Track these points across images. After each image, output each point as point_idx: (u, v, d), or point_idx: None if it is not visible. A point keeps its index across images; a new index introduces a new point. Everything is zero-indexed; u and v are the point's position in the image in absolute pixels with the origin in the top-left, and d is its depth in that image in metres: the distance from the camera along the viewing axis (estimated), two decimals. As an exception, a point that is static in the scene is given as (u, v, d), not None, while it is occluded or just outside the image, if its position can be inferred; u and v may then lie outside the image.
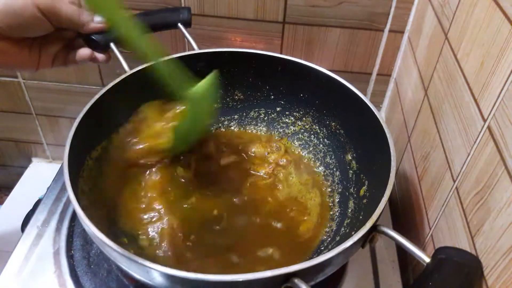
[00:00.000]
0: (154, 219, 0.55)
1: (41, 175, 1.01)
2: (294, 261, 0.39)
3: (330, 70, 0.61)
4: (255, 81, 0.68)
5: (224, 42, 0.78)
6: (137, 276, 0.41)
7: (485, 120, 0.41)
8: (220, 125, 0.71)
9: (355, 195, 0.58)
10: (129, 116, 0.62)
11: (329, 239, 0.56)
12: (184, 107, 0.56)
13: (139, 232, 0.54)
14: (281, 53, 0.78)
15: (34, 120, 0.96)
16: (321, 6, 0.71)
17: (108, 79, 0.58)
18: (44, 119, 0.96)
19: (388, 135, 0.52)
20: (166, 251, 0.52)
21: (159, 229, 0.54)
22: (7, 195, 1.00)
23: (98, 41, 0.57)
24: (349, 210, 0.58)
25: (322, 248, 0.55)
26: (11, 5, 0.48)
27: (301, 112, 0.68)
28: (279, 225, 0.58)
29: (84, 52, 0.57)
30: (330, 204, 0.61)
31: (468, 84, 0.46)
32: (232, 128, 0.71)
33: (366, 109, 0.56)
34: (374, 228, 0.43)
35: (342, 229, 0.56)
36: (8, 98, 0.92)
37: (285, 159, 0.67)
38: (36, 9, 0.49)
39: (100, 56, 0.58)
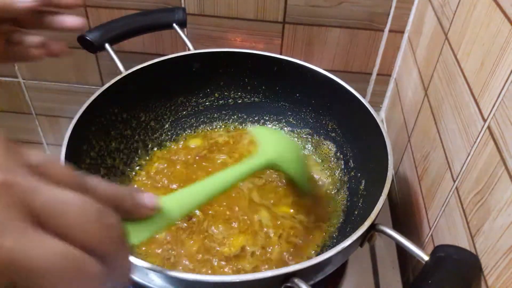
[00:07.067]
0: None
1: (41, 175, 1.01)
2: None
3: (330, 70, 0.61)
4: (251, 82, 0.68)
5: (224, 42, 0.78)
6: (136, 278, 0.41)
7: (485, 120, 0.41)
8: (218, 126, 0.71)
9: (353, 195, 0.58)
10: (127, 115, 0.62)
11: (329, 238, 0.56)
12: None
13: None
14: (281, 53, 0.78)
15: (34, 120, 0.96)
16: (321, 6, 0.71)
17: (108, 79, 0.58)
18: (44, 119, 0.96)
19: (384, 134, 0.52)
20: None
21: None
22: (7, 195, 1.00)
23: (93, 41, 0.57)
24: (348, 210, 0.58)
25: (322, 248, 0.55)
26: None
27: (297, 113, 0.68)
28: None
29: (32, 39, 0.45)
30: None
31: (468, 84, 0.46)
32: (231, 128, 0.72)
33: (362, 108, 0.56)
34: (373, 227, 0.44)
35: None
36: (8, 98, 0.92)
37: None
38: None
39: (56, 47, 0.46)
